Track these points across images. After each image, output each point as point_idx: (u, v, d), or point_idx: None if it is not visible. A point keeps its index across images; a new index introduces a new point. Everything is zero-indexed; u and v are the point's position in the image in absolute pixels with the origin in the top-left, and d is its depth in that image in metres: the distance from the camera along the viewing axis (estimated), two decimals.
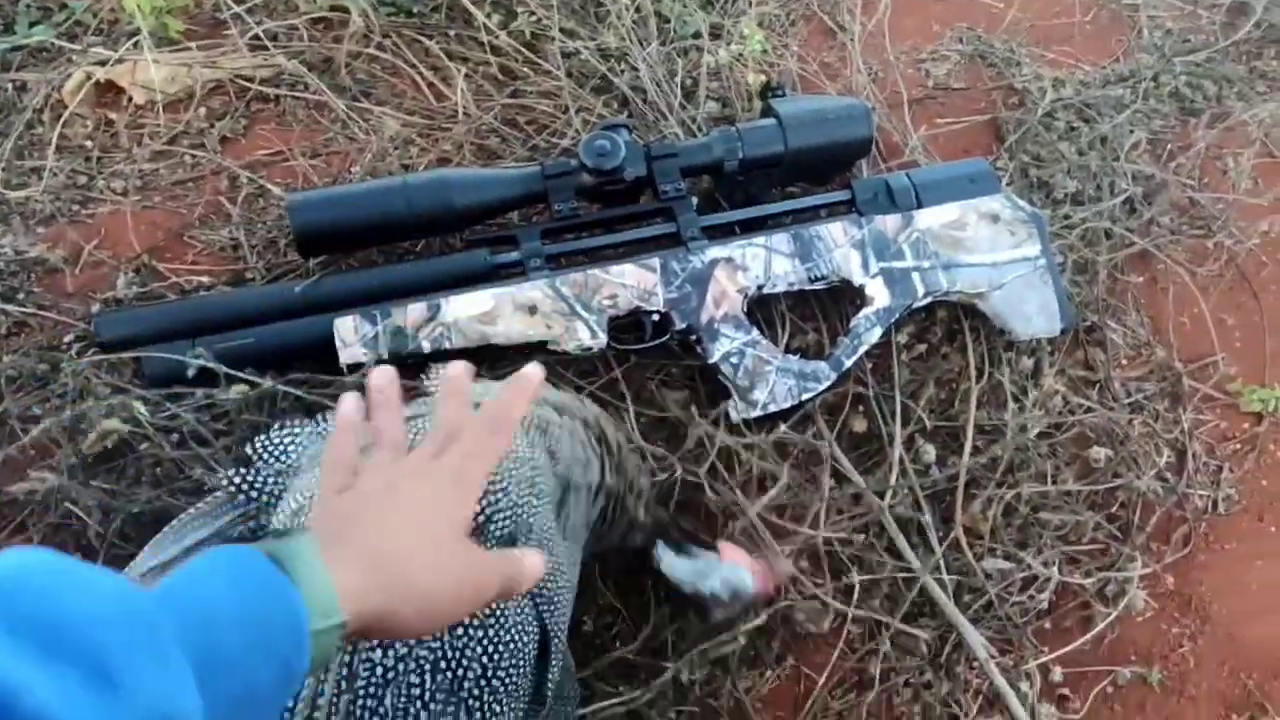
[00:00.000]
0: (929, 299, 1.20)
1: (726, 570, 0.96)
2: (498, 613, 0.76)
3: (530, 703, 0.82)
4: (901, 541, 1.09)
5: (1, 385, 1.06)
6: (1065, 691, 1.06)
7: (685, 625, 1.02)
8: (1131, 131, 1.45)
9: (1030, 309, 1.21)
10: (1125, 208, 1.39)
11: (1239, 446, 1.25)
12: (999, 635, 1.08)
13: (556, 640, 0.83)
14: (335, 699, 0.70)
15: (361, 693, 0.71)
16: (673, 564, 0.98)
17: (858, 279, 1.19)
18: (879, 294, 1.19)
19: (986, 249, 1.21)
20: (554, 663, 0.84)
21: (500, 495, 0.80)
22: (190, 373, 1.03)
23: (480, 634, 0.74)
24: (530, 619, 0.80)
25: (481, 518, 0.77)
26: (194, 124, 1.33)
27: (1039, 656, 1.07)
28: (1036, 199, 1.36)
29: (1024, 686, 1.04)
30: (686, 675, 1.00)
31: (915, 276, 1.20)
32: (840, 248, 1.19)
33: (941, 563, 1.08)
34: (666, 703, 0.99)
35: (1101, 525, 1.15)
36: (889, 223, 1.21)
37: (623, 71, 1.40)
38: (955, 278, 1.20)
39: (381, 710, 0.71)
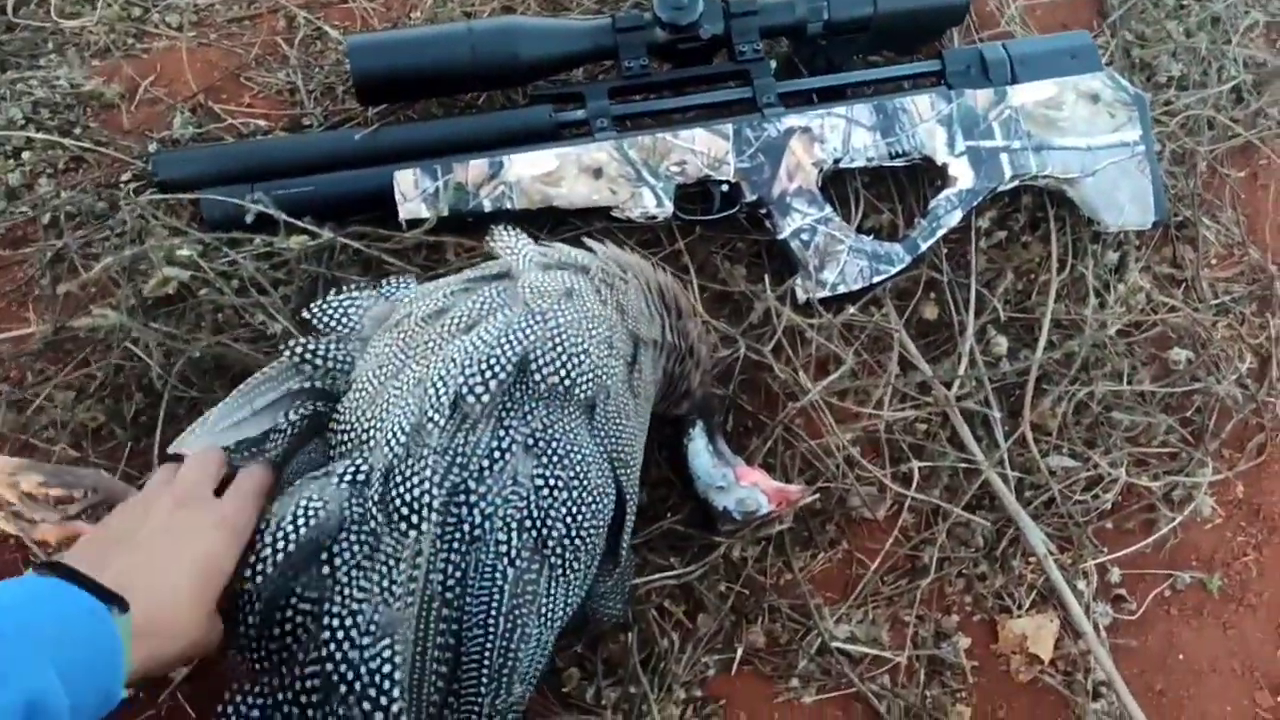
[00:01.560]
0: (1016, 182, 1.14)
1: (744, 492, 0.95)
2: (580, 473, 0.78)
3: (604, 563, 0.83)
4: (966, 433, 1.06)
5: (61, 219, 1.04)
6: (1122, 592, 1.04)
7: None
8: (1247, 12, 1.35)
9: (1123, 198, 1.14)
10: (1232, 96, 1.30)
11: None
12: (1058, 533, 1.05)
13: (631, 502, 0.84)
14: (433, 557, 0.73)
15: (455, 550, 0.74)
16: (698, 454, 0.96)
17: (941, 157, 1.13)
18: (963, 174, 1.12)
19: (1082, 131, 1.14)
20: (629, 524, 0.85)
21: (583, 357, 0.79)
22: (249, 218, 1.00)
23: (565, 495, 0.77)
24: (609, 480, 0.82)
25: (568, 380, 0.79)
26: None
27: (1097, 556, 1.05)
28: (1137, 81, 1.26)
29: (1080, 584, 1.02)
30: (738, 552, 0.99)
31: (1003, 157, 1.13)
32: (925, 123, 1.13)
33: (1005, 457, 1.05)
34: (718, 577, 0.98)
35: (1174, 429, 1.11)
36: (980, 98, 1.14)
37: None
38: (1046, 161, 1.13)
39: (473, 566, 0.74)
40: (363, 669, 0.71)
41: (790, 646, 0.97)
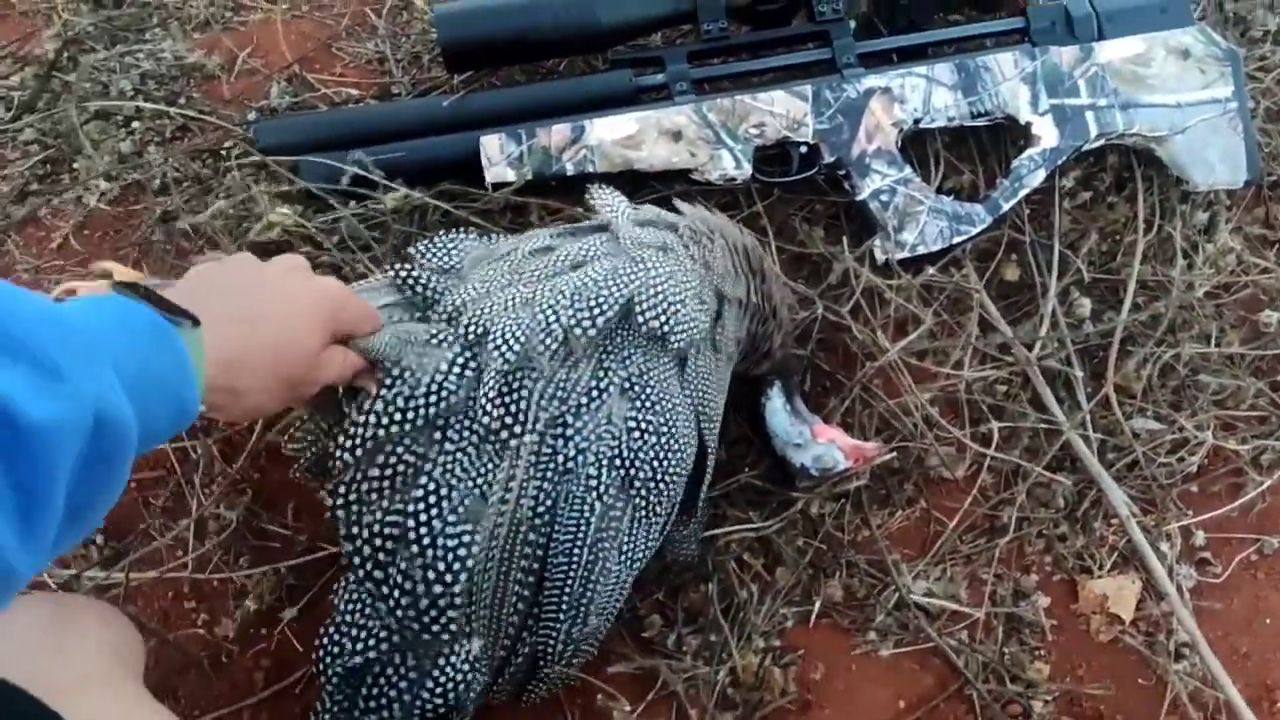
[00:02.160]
0: (1101, 141, 1.12)
1: (821, 448, 0.96)
2: (669, 420, 0.82)
3: (681, 511, 0.86)
4: (1047, 394, 1.06)
5: (170, 184, 1.10)
6: (1206, 555, 1.03)
7: None
8: None
9: (1213, 157, 1.12)
10: None
11: None
12: (1141, 495, 1.04)
13: (710, 455, 0.87)
14: (525, 484, 0.77)
15: (548, 479, 0.78)
16: (775, 412, 0.98)
17: (1024, 116, 1.12)
18: (1046, 133, 1.11)
19: (1172, 88, 1.11)
20: (707, 476, 0.88)
21: (679, 307, 0.82)
22: (345, 180, 1.05)
23: (654, 439, 0.81)
24: (694, 431, 0.84)
25: (666, 328, 0.82)
26: None
27: (1182, 519, 1.03)
28: (1231, 36, 1.23)
29: (1163, 547, 1.01)
30: (816, 508, 1.00)
31: (1089, 116, 1.11)
32: (1008, 81, 1.12)
33: (1088, 419, 1.05)
34: (795, 532, 1.00)
35: (1264, 392, 1.09)
36: (1065, 55, 1.12)
37: None
38: (1134, 119, 1.11)
39: (563, 497, 0.79)
40: (439, 539, 0.76)
41: (868, 601, 0.98)
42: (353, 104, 1.20)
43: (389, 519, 0.76)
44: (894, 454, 1.01)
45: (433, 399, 0.76)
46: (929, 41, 1.16)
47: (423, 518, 0.76)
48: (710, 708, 0.90)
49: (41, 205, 1.12)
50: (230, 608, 0.95)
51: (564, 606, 0.80)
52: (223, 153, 1.14)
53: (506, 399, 0.77)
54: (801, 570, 0.98)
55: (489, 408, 0.77)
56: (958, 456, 1.04)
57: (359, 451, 0.76)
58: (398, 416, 0.76)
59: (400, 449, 0.77)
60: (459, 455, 0.77)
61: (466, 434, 0.77)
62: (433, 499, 0.76)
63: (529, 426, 0.77)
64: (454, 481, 0.76)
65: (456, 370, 0.77)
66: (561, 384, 0.79)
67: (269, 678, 0.93)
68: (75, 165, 1.15)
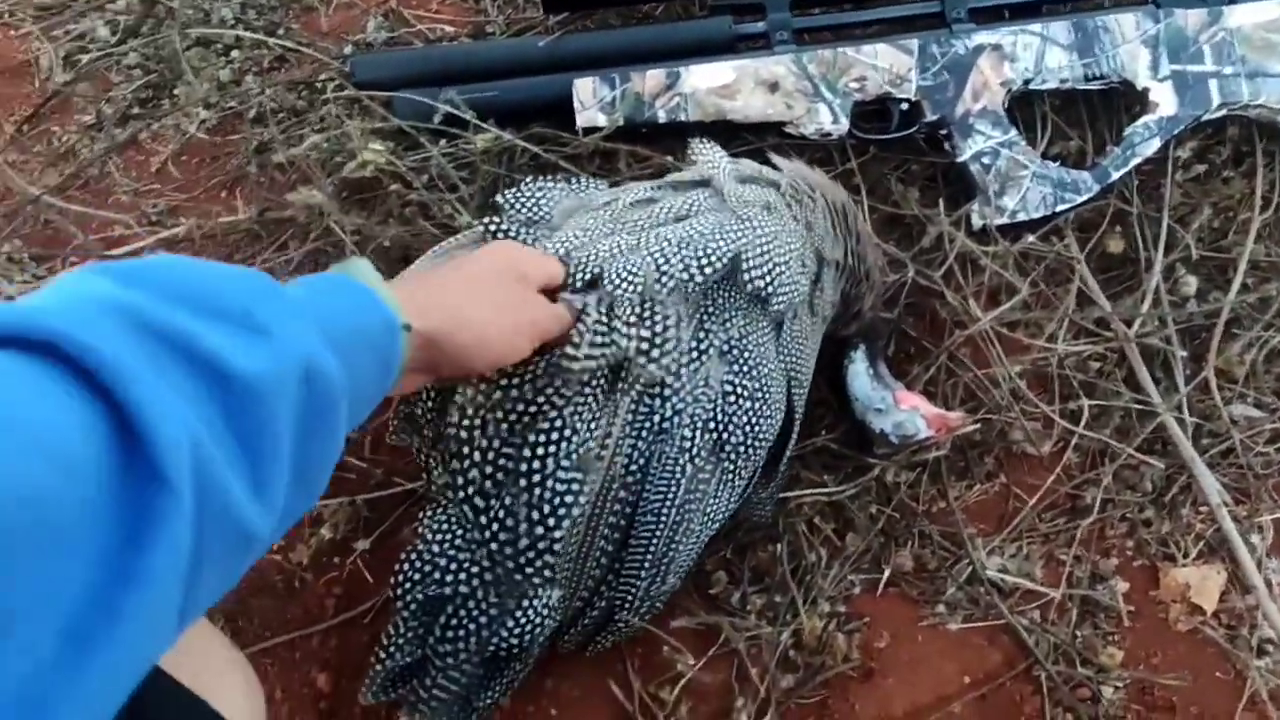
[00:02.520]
0: (1223, 111, 1.06)
1: (903, 415, 0.94)
2: (764, 386, 0.81)
3: (763, 473, 0.85)
4: (1144, 374, 1.02)
5: (266, 114, 1.11)
6: None
7: None
8: None
9: None
10: None
11: None
12: (1234, 484, 1.00)
13: (798, 420, 0.86)
14: (621, 440, 0.77)
15: (643, 438, 0.77)
16: (858, 375, 0.96)
17: (1142, 81, 1.06)
18: (1165, 100, 1.06)
19: None
20: (793, 440, 0.87)
21: (784, 268, 0.81)
22: (437, 118, 1.04)
23: (748, 404, 0.80)
24: (784, 397, 0.83)
25: (770, 289, 0.80)
26: None
27: (1275, 512, 0.99)
28: None
29: (1254, 538, 0.97)
30: (892, 476, 0.99)
31: (1212, 84, 1.05)
32: (1128, 43, 1.06)
33: (1184, 401, 1.01)
34: (869, 499, 0.98)
35: None
36: (1191, 18, 1.06)
37: None
38: (1260, 89, 1.05)
39: (657, 457, 0.78)
40: (550, 481, 0.75)
41: (939, 573, 0.97)
42: (448, 41, 1.19)
43: (506, 449, 0.75)
44: (978, 426, 0.99)
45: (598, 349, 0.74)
46: None
47: (540, 453, 0.75)
48: (771, 667, 0.90)
49: (142, 129, 1.15)
50: (306, 535, 0.98)
51: (646, 564, 0.80)
52: (319, 85, 1.15)
53: (646, 320, 0.75)
54: (872, 537, 0.97)
55: (631, 333, 0.75)
56: (1044, 432, 1.01)
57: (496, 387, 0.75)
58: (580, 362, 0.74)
59: (538, 386, 0.75)
60: (589, 401, 0.75)
61: (600, 380, 0.76)
62: (555, 438, 0.75)
63: (631, 384, 0.76)
64: (578, 424, 0.75)
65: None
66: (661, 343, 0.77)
67: (339, 605, 0.96)
68: (176, 91, 1.17)
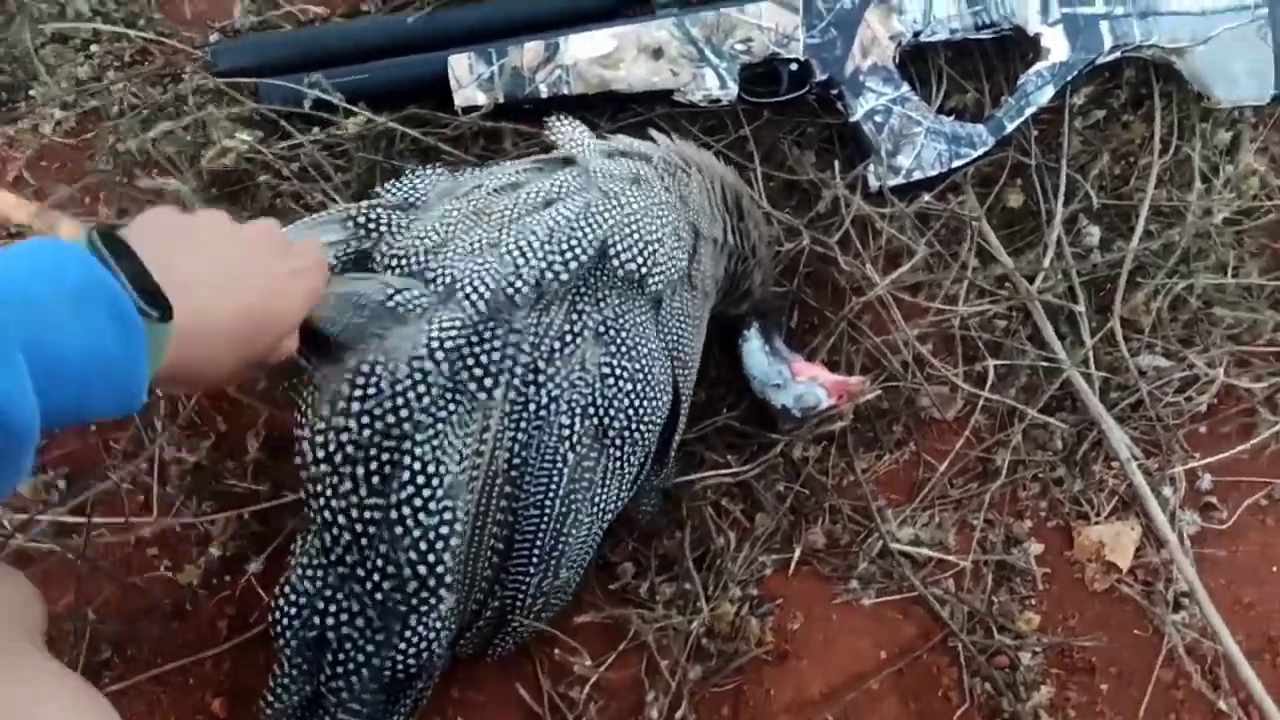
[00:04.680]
0: (1117, 53, 1.04)
1: (801, 388, 0.92)
2: (645, 366, 0.78)
3: (653, 462, 0.82)
4: (1048, 330, 1.00)
5: (126, 111, 1.05)
6: (1212, 500, 0.98)
7: None
8: None
9: (1238, 70, 1.03)
10: None
11: None
12: (1145, 436, 0.99)
13: (685, 403, 0.83)
14: (500, 435, 0.74)
15: (521, 429, 0.74)
16: (753, 353, 0.94)
17: (1034, 27, 1.03)
18: (1057, 45, 1.03)
19: None
20: (680, 425, 0.85)
21: (656, 246, 0.78)
22: (307, 104, 0.99)
23: (629, 386, 0.77)
24: (669, 378, 0.80)
25: (644, 270, 0.78)
26: None
27: (1187, 462, 0.98)
28: None
29: (1166, 491, 0.96)
30: (798, 452, 0.96)
31: (1104, 26, 1.03)
32: None
33: (1090, 355, 0.99)
34: (777, 476, 0.95)
35: None
36: None
37: None
38: (1153, 28, 1.03)
39: (537, 446, 0.75)
40: (422, 517, 0.71)
41: (850, 548, 0.94)
42: (319, 23, 1.13)
43: (369, 507, 0.71)
44: (881, 393, 0.96)
45: (413, 394, 0.70)
46: None
47: (409, 499, 0.70)
48: (682, 659, 0.87)
49: None
50: (194, 554, 0.93)
51: (535, 559, 0.77)
52: (183, 76, 1.08)
53: (478, 352, 0.72)
54: (781, 516, 0.94)
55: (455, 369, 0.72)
56: (950, 396, 0.99)
57: (337, 457, 0.70)
58: (379, 424, 0.70)
59: (383, 444, 0.71)
60: (444, 430, 0.71)
61: (451, 407, 0.72)
62: (420, 480, 0.71)
63: (505, 379, 0.73)
64: (442, 457, 0.71)
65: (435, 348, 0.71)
66: (532, 330, 0.74)
67: (233, 626, 0.91)
68: (32, 93, 1.10)
